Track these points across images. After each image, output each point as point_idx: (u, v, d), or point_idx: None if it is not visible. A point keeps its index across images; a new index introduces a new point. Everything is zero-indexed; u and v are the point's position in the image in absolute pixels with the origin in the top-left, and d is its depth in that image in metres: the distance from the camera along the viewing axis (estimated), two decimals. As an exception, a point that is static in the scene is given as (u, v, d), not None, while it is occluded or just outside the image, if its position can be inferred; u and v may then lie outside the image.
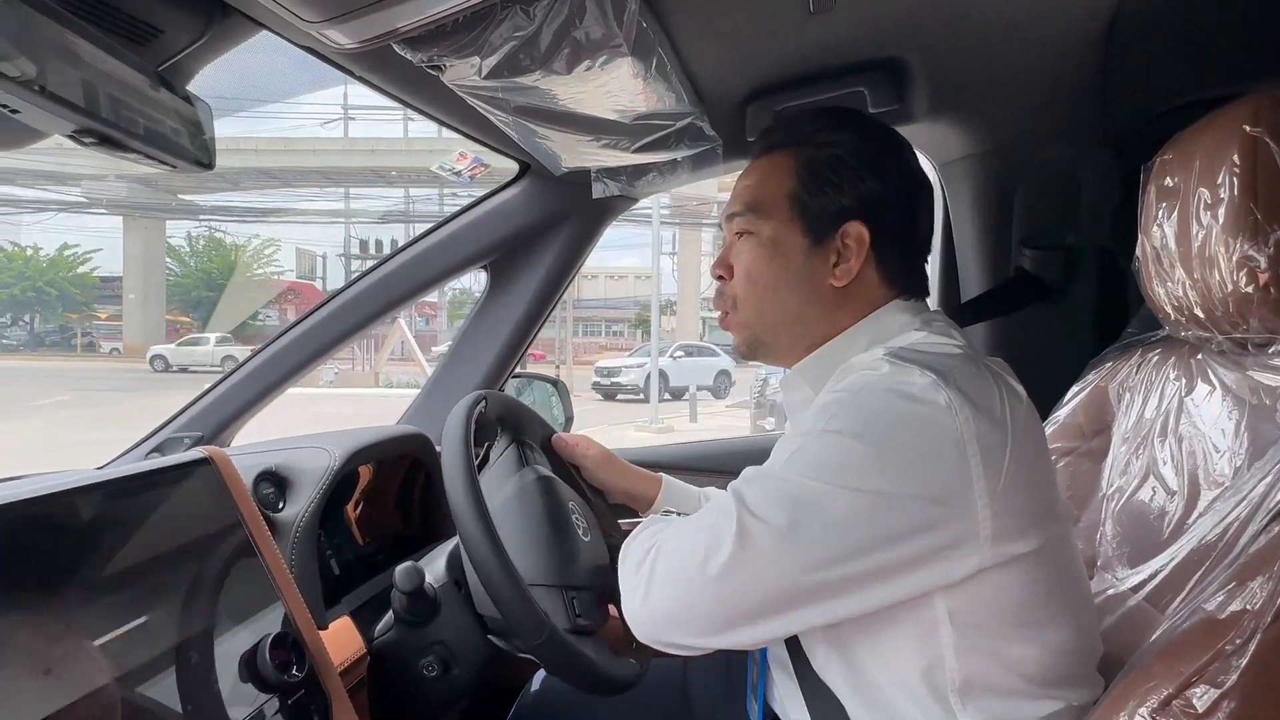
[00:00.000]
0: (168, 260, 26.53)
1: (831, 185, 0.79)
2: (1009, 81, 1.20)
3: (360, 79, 1.00)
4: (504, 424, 1.04)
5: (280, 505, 0.95)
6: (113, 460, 1.32)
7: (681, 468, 1.70)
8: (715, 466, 1.69)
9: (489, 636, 0.91)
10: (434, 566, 0.96)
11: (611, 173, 1.31)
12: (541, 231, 1.48)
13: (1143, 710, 0.63)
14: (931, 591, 0.68)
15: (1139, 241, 0.90)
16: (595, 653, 0.87)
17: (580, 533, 0.97)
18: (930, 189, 0.83)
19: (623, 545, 0.82)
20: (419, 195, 25.09)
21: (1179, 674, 0.63)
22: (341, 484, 1.05)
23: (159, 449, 1.34)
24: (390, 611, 0.95)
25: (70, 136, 0.62)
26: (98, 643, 0.62)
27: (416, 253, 1.48)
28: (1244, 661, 0.60)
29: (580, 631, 0.89)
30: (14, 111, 0.55)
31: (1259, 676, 0.60)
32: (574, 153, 1.19)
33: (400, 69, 0.92)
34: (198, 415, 1.42)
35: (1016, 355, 0.84)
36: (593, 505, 1.13)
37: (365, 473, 1.15)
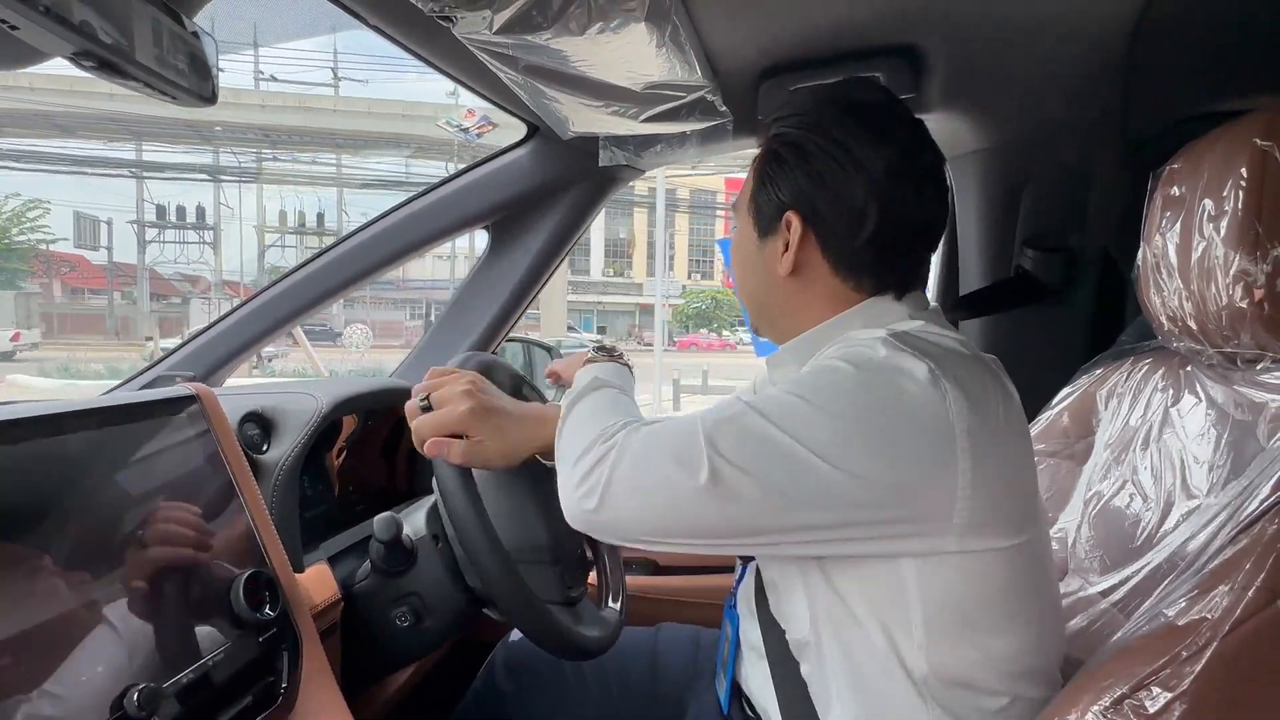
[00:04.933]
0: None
1: (770, 178, 0.80)
2: (1027, 77, 1.18)
3: (373, 27, 0.99)
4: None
5: (264, 447, 0.96)
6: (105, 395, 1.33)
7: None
8: None
9: (467, 596, 0.93)
10: (413, 519, 0.97)
11: (619, 141, 1.30)
12: (546, 195, 1.47)
13: (1095, 708, 0.64)
14: (900, 557, 0.69)
15: (1140, 249, 0.90)
16: (569, 618, 0.89)
17: None
18: (907, 176, 0.77)
19: (566, 406, 0.82)
20: (244, 155, 21.70)
21: (1133, 675, 0.64)
22: (328, 431, 1.05)
23: (151, 385, 1.34)
24: (368, 560, 0.96)
25: (70, 59, 0.61)
26: (74, 568, 0.63)
27: (419, 208, 1.47)
28: (1198, 668, 0.61)
29: (570, 602, 0.90)
30: (13, 28, 0.55)
31: (1211, 683, 0.60)
32: (582, 117, 1.17)
33: (411, 18, 0.91)
34: (191, 354, 1.42)
35: (1009, 355, 0.83)
36: None
37: (350, 422, 1.16)
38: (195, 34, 0.74)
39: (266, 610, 0.76)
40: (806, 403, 0.67)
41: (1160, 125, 1.20)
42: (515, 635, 1.19)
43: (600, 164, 1.33)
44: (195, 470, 0.79)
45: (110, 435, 0.72)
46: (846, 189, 0.76)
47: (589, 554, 1.11)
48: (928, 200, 0.79)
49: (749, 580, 0.87)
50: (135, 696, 0.60)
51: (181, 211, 24.30)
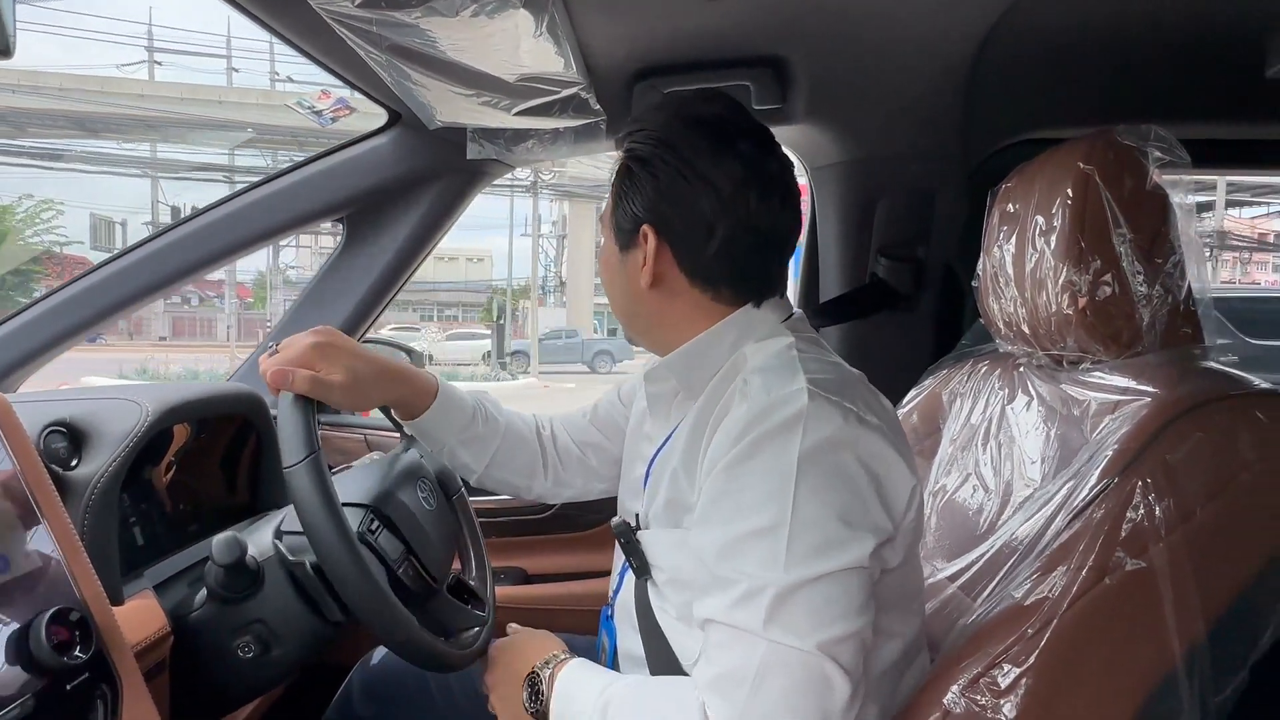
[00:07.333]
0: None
1: (624, 193, 0.81)
2: (881, 96, 1.26)
3: None
4: None
5: (74, 462, 0.83)
6: None
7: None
8: None
9: (317, 615, 0.85)
10: (258, 538, 0.88)
11: (489, 134, 1.24)
12: (408, 188, 1.38)
13: (954, 688, 0.69)
14: None
15: (981, 260, 0.98)
16: (435, 629, 0.84)
17: (422, 500, 0.93)
18: (753, 186, 0.78)
19: None
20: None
21: (987, 655, 0.68)
22: (155, 443, 0.93)
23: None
24: (204, 586, 0.85)
25: None
26: None
27: (264, 195, 1.34)
28: (1042, 643, 0.67)
29: (406, 597, 0.85)
30: None
31: (1054, 655, 0.66)
32: (450, 106, 1.12)
33: None
34: None
35: (865, 358, 0.89)
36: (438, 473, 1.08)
37: (181, 432, 1.03)
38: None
39: (76, 653, 0.66)
40: (795, 524, 0.65)
41: (995, 147, 1.32)
42: (375, 659, 1.11)
43: (468, 157, 1.27)
44: (-18, 491, 0.67)
45: None
46: (693, 203, 0.78)
47: (456, 564, 1.06)
48: (775, 209, 0.80)
49: (627, 591, 0.86)
50: None
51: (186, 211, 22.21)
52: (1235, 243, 19.85)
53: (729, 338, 0.80)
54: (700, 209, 0.77)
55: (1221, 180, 15.03)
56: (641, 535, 0.83)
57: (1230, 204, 18.98)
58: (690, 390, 0.82)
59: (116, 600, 0.79)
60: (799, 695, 0.63)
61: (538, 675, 0.80)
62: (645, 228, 0.79)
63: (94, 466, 0.82)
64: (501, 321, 16.13)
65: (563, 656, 0.82)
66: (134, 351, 17.11)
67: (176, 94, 17.75)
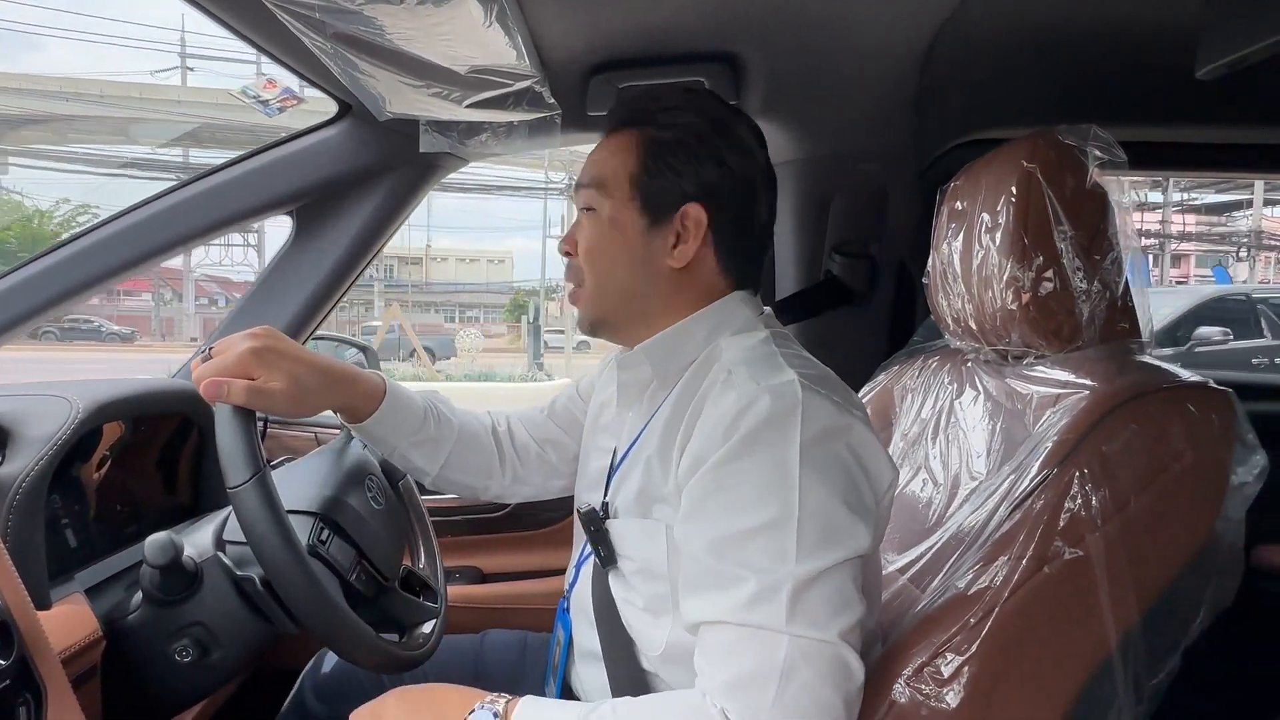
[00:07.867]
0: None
1: (670, 167, 0.78)
2: (834, 96, 1.27)
3: None
4: None
5: (-3, 461, 0.79)
6: None
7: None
8: None
9: (258, 615, 0.83)
10: (197, 538, 0.85)
11: (442, 127, 1.22)
12: (359, 181, 1.35)
13: (900, 679, 0.69)
14: None
15: (930, 257, 0.99)
16: (383, 627, 0.83)
17: (370, 501, 0.92)
18: (773, 179, 0.84)
19: None
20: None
21: (932, 645, 0.69)
22: (87, 441, 0.89)
23: None
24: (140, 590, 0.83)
25: None
26: None
27: (210, 186, 1.30)
28: (984, 632, 0.68)
29: (358, 600, 0.83)
30: None
31: (995, 644, 0.67)
32: (400, 97, 1.09)
33: None
34: None
35: (821, 353, 0.88)
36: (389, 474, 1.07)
37: (115, 429, 0.99)
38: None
39: (-4, 659, 0.63)
40: (802, 515, 0.65)
41: (944, 146, 1.35)
42: (327, 662, 1.08)
43: (421, 150, 1.25)
44: (-107, 492, 0.63)
45: None
46: (749, 186, 0.79)
47: (408, 561, 1.04)
48: (775, 206, 0.85)
49: (584, 584, 0.85)
50: None
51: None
52: (1272, 242, 20.04)
53: (705, 327, 0.80)
54: (754, 194, 0.79)
55: (1259, 182, 15.11)
56: (610, 525, 0.82)
57: (1266, 203, 19.11)
58: (663, 379, 0.81)
59: (43, 605, 0.76)
60: (826, 686, 0.62)
61: (489, 704, 0.68)
62: (691, 206, 0.77)
63: (18, 466, 0.79)
64: (538, 322, 15.79)
65: (509, 696, 0.70)
66: (167, 352, 16.69)
67: (211, 99, 17.72)
